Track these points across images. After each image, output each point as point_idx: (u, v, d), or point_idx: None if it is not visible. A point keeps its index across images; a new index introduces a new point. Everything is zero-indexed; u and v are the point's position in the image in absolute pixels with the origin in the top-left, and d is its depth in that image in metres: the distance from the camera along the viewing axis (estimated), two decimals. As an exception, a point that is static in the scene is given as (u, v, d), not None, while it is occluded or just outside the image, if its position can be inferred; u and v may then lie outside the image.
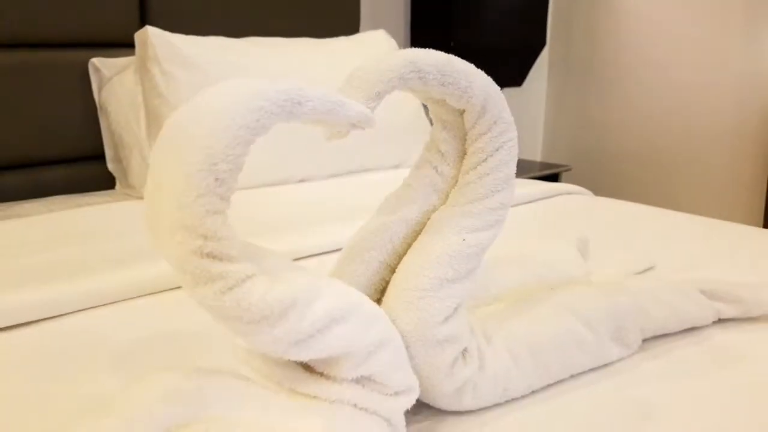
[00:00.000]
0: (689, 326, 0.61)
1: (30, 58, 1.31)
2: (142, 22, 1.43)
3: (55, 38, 1.34)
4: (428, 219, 0.50)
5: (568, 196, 1.20)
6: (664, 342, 0.60)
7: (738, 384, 0.53)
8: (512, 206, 0.96)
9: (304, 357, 0.40)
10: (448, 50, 1.57)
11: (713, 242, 0.92)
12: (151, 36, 1.17)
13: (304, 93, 0.38)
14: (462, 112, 0.48)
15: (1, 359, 0.57)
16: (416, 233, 0.49)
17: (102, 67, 1.35)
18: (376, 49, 1.44)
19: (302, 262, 0.79)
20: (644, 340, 0.58)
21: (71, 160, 1.40)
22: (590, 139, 2.25)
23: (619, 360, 0.56)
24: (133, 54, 1.41)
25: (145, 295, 0.69)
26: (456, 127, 0.49)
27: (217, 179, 0.35)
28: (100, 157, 1.40)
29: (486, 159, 0.48)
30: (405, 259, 0.48)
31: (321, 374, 0.43)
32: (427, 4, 1.92)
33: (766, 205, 1.77)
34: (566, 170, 2.04)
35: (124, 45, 1.41)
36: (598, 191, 1.36)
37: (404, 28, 1.97)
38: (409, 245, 0.49)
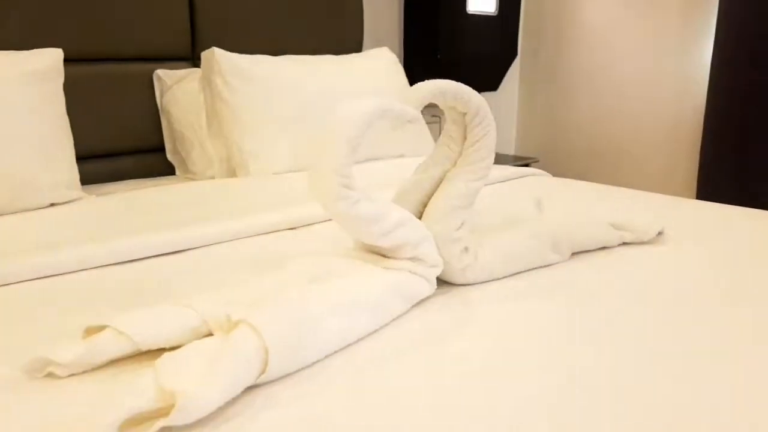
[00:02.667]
0: (603, 246, 0.98)
1: (105, 70, 1.62)
2: (192, 42, 1.77)
3: (123, 54, 1.67)
4: (444, 176, 0.86)
5: (532, 177, 1.58)
6: (589, 254, 0.97)
7: (630, 271, 0.90)
8: (490, 184, 1.35)
9: (384, 244, 0.76)
10: (436, 61, 2.07)
11: (645, 205, 1.29)
12: (217, 55, 1.51)
13: (388, 105, 0.73)
14: (464, 114, 0.84)
15: (200, 265, 0.92)
16: (438, 183, 0.86)
17: (164, 77, 1.68)
18: (383, 62, 1.80)
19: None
20: (574, 253, 0.95)
21: (137, 151, 1.73)
22: (556, 135, 2.63)
23: (556, 263, 0.93)
24: (185, 66, 1.75)
25: (260, 234, 1.04)
26: (460, 122, 0.85)
27: (351, 150, 0.71)
28: (160, 149, 1.74)
29: (478, 140, 0.84)
30: (433, 197, 0.84)
31: (392, 257, 0.78)
32: (417, 23, 2.26)
33: (697, 183, 2.16)
34: (535, 162, 2.42)
35: (177, 59, 1.76)
36: (560, 177, 1.74)
37: (398, 43, 2.32)
38: (434, 190, 0.85)
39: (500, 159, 2.34)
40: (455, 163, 0.87)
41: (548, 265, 0.92)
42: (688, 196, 2.25)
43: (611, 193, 1.41)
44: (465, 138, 0.86)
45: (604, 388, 0.58)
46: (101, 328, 0.65)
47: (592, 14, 2.44)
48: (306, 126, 1.53)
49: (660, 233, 1.03)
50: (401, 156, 1.73)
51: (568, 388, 0.58)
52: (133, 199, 1.23)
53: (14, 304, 0.79)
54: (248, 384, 0.57)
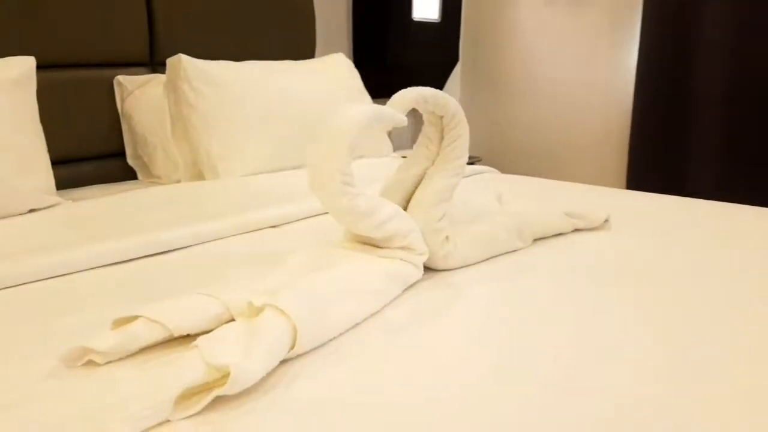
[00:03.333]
0: (559, 232, 1.11)
1: (64, 76, 1.63)
2: (151, 48, 1.80)
3: (82, 60, 1.68)
4: (425, 173, 0.95)
5: (487, 174, 1.70)
6: (547, 240, 1.09)
7: (585, 253, 1.02)
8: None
9: (378, 234, 0.85)
10: (385, 66, 2.20)
11: (582, 196, 1.44)
12: (184, 61, 1.55)
13: (381, 110, 0.82)
14: (441, 117, 0.94)
15: (202, 259, 0.97)
16: (419, 180, 0.95)
17: (125, 82, 1.71)
18: (340, 67, 1.88)
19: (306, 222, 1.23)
20: (535, 240, 1.07)
21: (96, 157, 1.74)
22: (496, 135, 2.79)
23: (521, 248, 1.04)
24: (143, 72, 1.78)
25: (247, 232, 1.11)
26: (438, 124, 0.95)
27: (351, 150, 0.79)
28: (120, 154, 1.76)
29: (454, 141, 0.94)
30: (416, 192, 0.94)
31: (384, 247, 0.87)
32: (365, 30, 2.35)
33: (627, 176, 2.36)
34: (478, 160, 2.56)
35: (136, 65, 1.79)
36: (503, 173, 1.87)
37: (348, 49, 2.40)
38: (416, 186, 0.95)
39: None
40: (434, 161, 0.96)
41: (514, 251, 1.03)
42: (620, 188, 2.44)
43: (556, 187, 1.55)
44: (442, 139, 0.96)
45: (574, 347, 0.69)
46: (130, 319, 0.70)
47: (527, 23, 2.61)
48: (272, 128, 1.59)
49: (606, 220, 1.17)
50: (361, 157, 1.82)
51: (548, 349, 0.69)
52: (114, 202, 1.26)
53: (24, 304, 0.83)
54: (282, 358, 0.64)
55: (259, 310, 0.70)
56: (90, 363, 0.66)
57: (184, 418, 0.56)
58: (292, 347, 0.66)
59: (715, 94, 2.09)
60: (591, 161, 2.54)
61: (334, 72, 1.84)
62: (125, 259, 0.99)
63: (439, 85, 2.63)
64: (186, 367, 0.60)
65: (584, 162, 2.55)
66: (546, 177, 2.61)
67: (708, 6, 2.06)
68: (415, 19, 2.38)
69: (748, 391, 0.60)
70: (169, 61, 1.58)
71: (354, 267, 0.81)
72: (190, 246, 1.05)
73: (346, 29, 2.37)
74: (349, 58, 2.40)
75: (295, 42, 2.09)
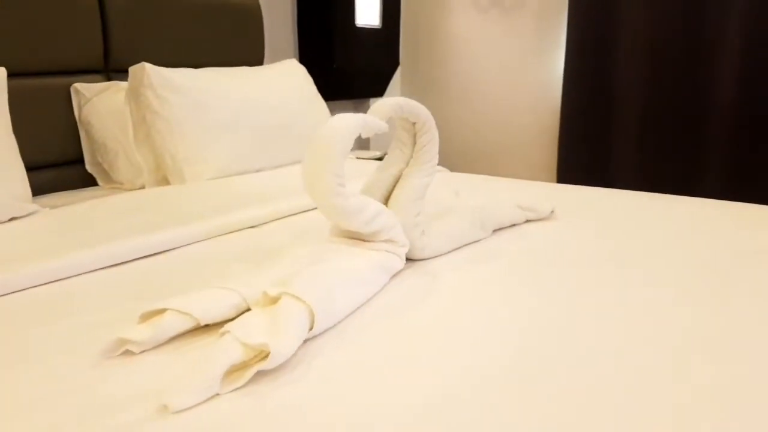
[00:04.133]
0: (513, 223, 1.25)
1: (19, 84, 1.65)
2: (105, 56, 1.83)
3: (37, 68, 1.69)
4: (401, 174, 1.07)
5: (438, 174, 1.84)
6: (504, 231, 1.22)
7: (539, 241, 1.17)
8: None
9: (366, 230, 0.95)
10: (332, 70, 2.35)
11: (523, 191, 1.59)
12: (147, 69, 1.59)
13: (367, 119, 0.93)
14: (414, 124, 1.06)
15: (181, 264, 1.04)
16: (396, 180, 1.06)
17: (82, 90, 1.73)
18: (294, 73, 1.96)
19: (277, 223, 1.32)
20: (494, 230, 1.21)
21: (54, 165, 1.75)
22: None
23: (483, 239, 1.17)
24: (99, 79, 1.81)
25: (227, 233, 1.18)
26: (410, 130, 1.06)
27: (343, 155, 0.89)
28: (78, 161, 1.78)
29: (425, 145, 1.06)
30: (394, 192, 1.05)
31: (371, 241, 0.98)
32: (311, 36, 2.44)
33: (557, 172, 2.56)
34: (421, 159, 2.70)
35: (90, 72, 1.81)
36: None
37: (294, 55, 2.48)
38: (394, 186, 1.06)
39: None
40: (408, 163, 1.08)
41: (477, 241, 1.17)
42: (551, 182, 2.65)
43: (499, 183, 1.71)
44: (414, 143, 1.08)
45: (539, 318, 0.83)
46: (156, 312, 0.78)
47: (461, 29, 2.77)
48: (236, 132, 1.66)
49: (552, 212, 1.32)
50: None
51: (517, 321, 0.82)
52: (92, 208, 1.30)
53: (31, 308, 0.88)
54: (305, 338, 0.74)
55: (274, 299, 0.80)
56: (126, 353, 0.74)
57: (230, 392, 0.65)
58: (310, 328, 0.76)
59: (635, 94, 2.32)
60: (524, 158, 2.73)
61: (289, 77, 1.92)
62: (120, 261, 1.05)
63: (382, 88, 2.75)
64: (225, 349, 0.68)
65: (518, 159, 2.74)
66: (484, 174, 2.80)
67: (628, 13, 2.28)
68: (358, 26, 2.48)
69: (668, 357, 0.75)
70: (132, 69, 1.62)
71: (348, 259, 0.91)
72: (181, 247, 1.12)
73: (293, 36, 2.45)
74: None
75: (245, 49, 2.15)
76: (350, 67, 2.48)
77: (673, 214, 1.35)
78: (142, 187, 1.66)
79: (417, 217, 1.04)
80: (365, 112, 2.84)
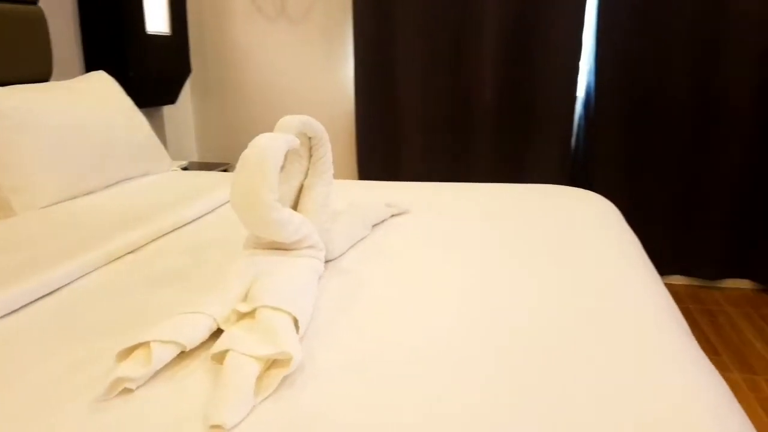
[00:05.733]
0: (383, 219, 1.41)
1: None
2: None
3: None
4: (301, 185, 1.15)
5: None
6: (378, 226, 1.38)
7: (413, 230, 1.34)
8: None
9: (293, 238, 1.03)
10: (127, 79, 2.34)
11: (362, 190, 1.76)
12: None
13: (288, 137, 1.00)
14: (310, 138, 1.15)
15: (99, 287, 0.98)
16: (298, 191, 1.15)
17: None
18: (106, 85, 1.84)
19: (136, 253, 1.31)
20: (374, 225, 1.36)
21: None
22: (235, 143, 2.95)
23: (367, 235, 1.31)
24: None
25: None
26: (306, 143, 1.15)
27: (276, 170, 0.95)
28: None
29: (322, 157, 1.16)
30: (302, 202, 1.13)
31: (294, 249, 1.05)
32: (101, 47, 2.28)
33: (357, 170, 2.78)
34: (225, 167, 2.70)
35: None
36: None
37: (81, 67, 2.29)
38: (298, 196, 1.14)
39: (191, 166, 2.54)
40: (306, 173, 1.17)
41: (363, 238, 1.30)
42: (353, 180, 2.87)
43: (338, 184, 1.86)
44: (310, 155, 1.17)
45: (431, 287, 1.01)
46: (133, 348, 0.77)
47: (248, 37, 2.83)
48: (64, 154, 1.53)
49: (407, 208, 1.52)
50: (146, 174, 1.84)
51: (425, 291, 0.99)
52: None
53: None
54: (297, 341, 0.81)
55: (243, 315, 0.84)
56: (124, 391, 0.72)
57: (262, 400, 0.70)
58: (298, 332, 0.82)
59: (416, 96, 2.64)
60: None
61: (104, 91, 1.80)
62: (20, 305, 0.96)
63: (175, 95, 2.67)
64: (242, 365, 0.73)
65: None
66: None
67: (406, 25, 2.58)
68: (149, 33, 2.39)
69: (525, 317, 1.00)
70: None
71: (290, 268, 0.98)
72: (77, 280, 1.05)
73: (77, 45, 2.26)
74: (83, 73, 2.30)
75: (30, 62, 1.94)
76: (145, 75, 2.38)
77: (485, 198, 1.64)
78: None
79: (325, 222, 1.14)
80: (160, 119, 2.72)
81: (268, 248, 1.06)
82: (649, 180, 2.57)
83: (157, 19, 2.47)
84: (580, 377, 0.74)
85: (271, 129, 2.91)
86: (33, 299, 0.98)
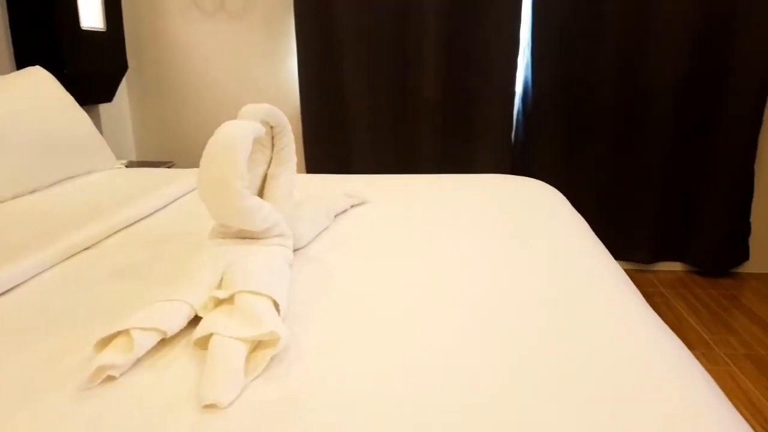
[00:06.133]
0: (344, 209, 1.42)
1: None
2: None
3: None
4: (265, 174, 1.15)
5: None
6: (340, 216, 1.39)
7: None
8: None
9: (262, 227, 1.02)
10: (62, 76, 2.29)
11: (327, 182, 1.76)
12: None
13: (254, 124, 1.00)
14: (273, 127, 1.15)
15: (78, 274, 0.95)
16: (263, 180, 1.14)
17: None
18: (43, 81, 1.76)
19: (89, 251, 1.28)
20: (336, 215, 1.37)
21: None
22: (172, 139, 2.89)
23: (329, 225, 1.32)
24: None
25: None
26: (269, 132, 1.15)
27: (244, 158, 0.95)
28: None
29: (285, 146, 1.16)
30: (267, 190, 1.13)
31: (263, 237, 1.05)
32: (32, 44, 2.17)
33: (305, 164, 2.78)
34: (170, 165, 2.64)
35: None
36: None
37: (11, 63, 2.18)
38: (263, 184, 1.14)
39: (131, 165, 2.47)
40: (269, 162, 1.17)
41: (327, 228, 1.31)
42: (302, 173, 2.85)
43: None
44: (273, 145, 1.17)
45: (394, 269, 1.04)
46: (111, 338, 0.76)
47: (185, 32, 2.77)
48: (2, 154, 1.46)
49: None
50: (90, 172, 1.78)
51: (393, 273, 1.01)
52: None
53: None
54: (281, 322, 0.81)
55: (222, 301, 0.84)
56: (107, 379, 0.71)
57: (252, 380, 0.71)
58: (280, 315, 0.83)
59: (361, 90, 2.66)
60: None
61: (42, 87, 1.73)
62: None
63: (112, 93, 2.59)
64: (229, 347, 0.73)
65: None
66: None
67: (348, 19, 2.60)
68: (83, 29, 2.30)
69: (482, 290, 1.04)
70: None
71: (262, 256, 0.98)
72: (32, 279, 1.02)
73: (6, 42, 2.15)
74: (14, 71, 2.19)
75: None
76: (80, 72, 2.29)
77: (438, 188, 1.68)
78: None
79: (291, 211, 1.14)
80: (96, 118, 2.64)
81: (236, 237, 1.06)
82: (585, 170, 2.69)
83: (91, 15, 2.38)
84: (547, 337, 0.78)
85: (212, 127, 2.87)
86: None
